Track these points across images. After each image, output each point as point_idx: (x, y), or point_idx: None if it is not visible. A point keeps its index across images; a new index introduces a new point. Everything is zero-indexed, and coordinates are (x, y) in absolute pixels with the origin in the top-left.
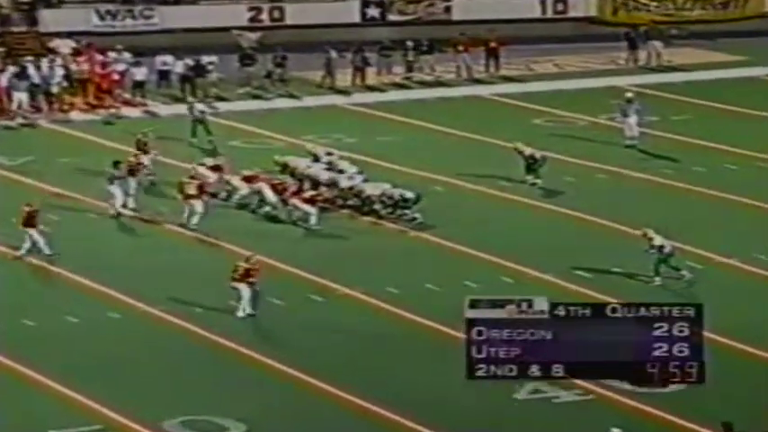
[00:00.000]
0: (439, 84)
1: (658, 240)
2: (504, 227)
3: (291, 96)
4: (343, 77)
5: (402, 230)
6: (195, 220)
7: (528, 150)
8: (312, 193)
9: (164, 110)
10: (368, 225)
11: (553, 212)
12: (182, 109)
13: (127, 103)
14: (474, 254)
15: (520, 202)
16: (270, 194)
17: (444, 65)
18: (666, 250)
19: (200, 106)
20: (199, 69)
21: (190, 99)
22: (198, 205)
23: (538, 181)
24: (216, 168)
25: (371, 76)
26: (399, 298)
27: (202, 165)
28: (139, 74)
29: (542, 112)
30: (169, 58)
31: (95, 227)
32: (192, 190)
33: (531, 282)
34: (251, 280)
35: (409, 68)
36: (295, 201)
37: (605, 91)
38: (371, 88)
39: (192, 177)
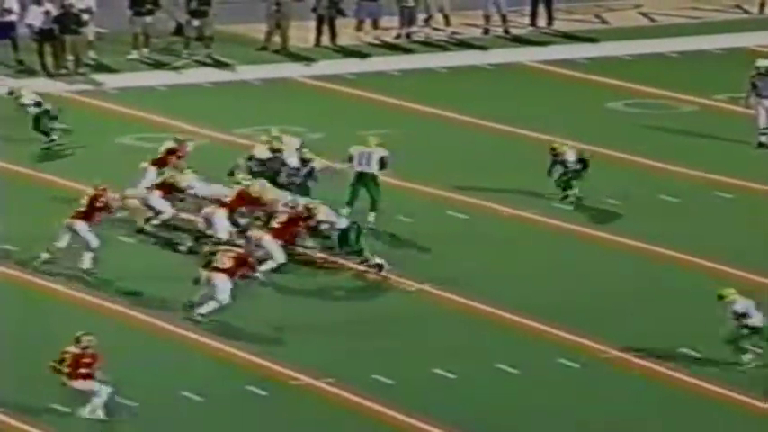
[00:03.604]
0: (455, 44)
1: (740, 305)
2: (561, 275)
3: (217, 64)
4: (302, 34)
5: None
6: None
7: (571, 154)
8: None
9: (5, 87)
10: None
11: (639, 250)
12: (38, 86)
13: None
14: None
15: (585, 236)
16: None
17: (463, 13)
18: (753, 321)
19: (31, 98)
20: (66, 21)
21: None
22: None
23: (572, 192)
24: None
25: (346, 32)
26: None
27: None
28: None
29: (622, 90)
30: (14, 3)
31: None
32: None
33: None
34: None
35: (408, 19)
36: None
37: (725, 56)
38: (346, 51)
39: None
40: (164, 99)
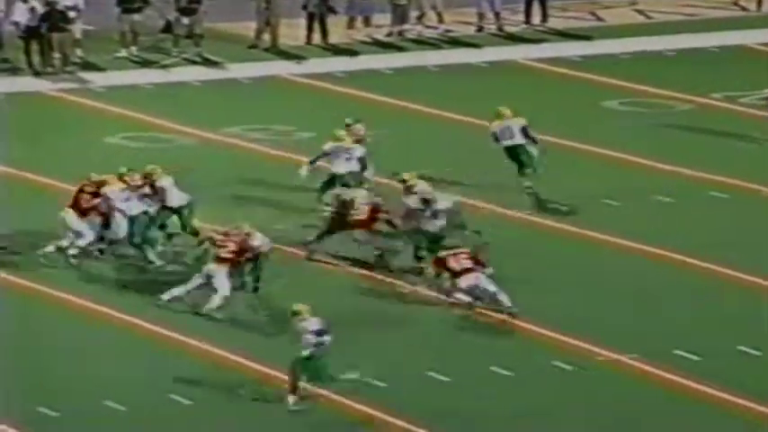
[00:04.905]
0: (448, 42)
1: (314, 323)
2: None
3: (206, 62)
4: (292, 31)
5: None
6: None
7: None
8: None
9: None
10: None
11: (634, 250)
12: (24, 84)
13: None
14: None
15: (578, 236)
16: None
17: (456, 11)
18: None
19: None
20: (53, 18)
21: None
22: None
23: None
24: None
25: (337, 30)
26: None
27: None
28: None
29: (617, 88)
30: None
31: None
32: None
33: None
34: None
35: (400, 17)
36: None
37: (721, 54)
38: (337, 49)
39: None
40: (152, 98)
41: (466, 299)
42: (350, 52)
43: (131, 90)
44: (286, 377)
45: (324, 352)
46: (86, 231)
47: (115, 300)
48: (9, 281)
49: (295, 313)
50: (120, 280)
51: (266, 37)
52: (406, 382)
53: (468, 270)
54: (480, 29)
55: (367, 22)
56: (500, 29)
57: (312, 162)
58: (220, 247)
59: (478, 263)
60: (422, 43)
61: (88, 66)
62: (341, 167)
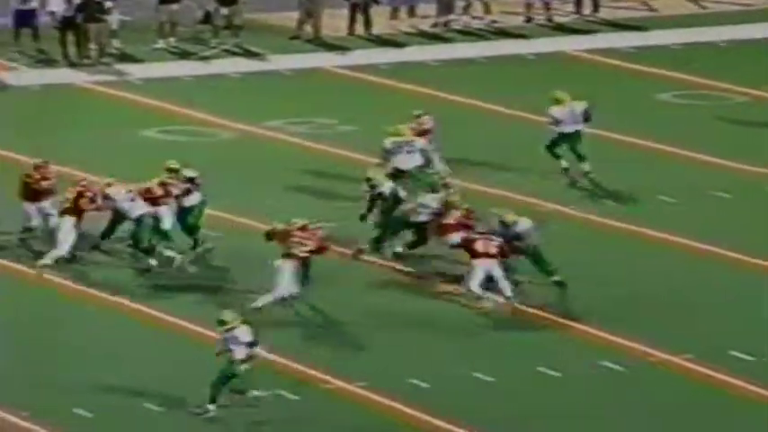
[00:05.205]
0: (496, 33)
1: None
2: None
3: (246, 54)
4: (335, 22)
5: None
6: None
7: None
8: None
9: (26, 77)
10: None
11: (689, 248)
12: (61, 77)
13: None
14: None
15: (632, 233)
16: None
17: (503, 0)
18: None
19: None
20: (89, 9)
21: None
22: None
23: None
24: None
25: (381, 20)
26: None
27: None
28: None
29: (671, 80)
30: None
31: None
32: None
33: None
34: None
35: (446, 7)
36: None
37: None
38: (381, 41)
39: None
40: (190, 90)
41: (483, 295)
42: (394, 43)
43: (169, 82)
44: (326, 377)
45: (252, 363)
46: (66, 242)
47: (151, 300)
48: (42, 279)
49: (222, 323)
50: (158, 281)
51: (308, 28)
52: (450, 383)
53: (488, 255)
54: (529, 19)
55: (412, 12)
56: (549, 19)
57: (380, 165)
58: (298, 244)
59: (504, 254)
60: (468, 34)
61: (125, 57)
62: (405, 163)
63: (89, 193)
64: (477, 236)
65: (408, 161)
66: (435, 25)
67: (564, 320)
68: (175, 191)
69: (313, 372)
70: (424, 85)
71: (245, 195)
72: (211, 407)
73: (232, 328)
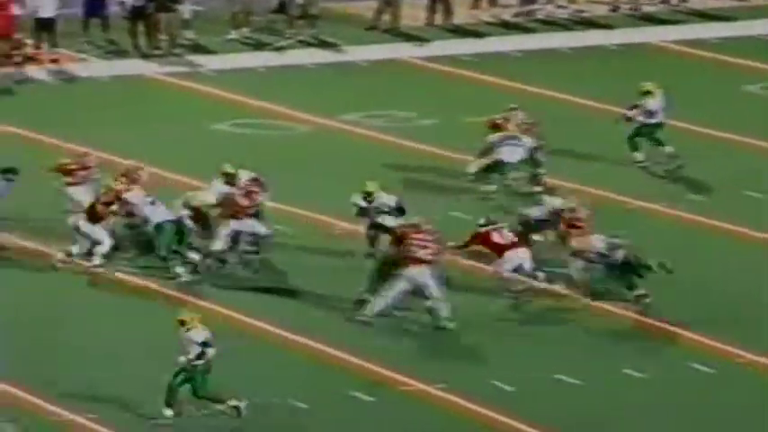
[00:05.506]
0: (580, 23)
1: (200, 335)
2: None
3: (322, 44)
4: (414, 12)
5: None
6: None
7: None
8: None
9: (96, 68)
10: None
11: None
12: (132, 68)
13: (30, 57)
14: None
15: (719, 230)
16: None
17: None
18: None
19: None
20: None
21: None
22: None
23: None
24: None
25: (461, 10)
26: None
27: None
28: (47, 6)
29: (760, 72)
30: None
31: None
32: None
33: None
34: None
35: None
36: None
37: None
38: (462, 31)
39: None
40: (264, 82)
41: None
42: (475, 34)
43: (242, 74)
44: (404, 379)
45: (208, 364)
46: (103, 237)
47: (240, 302)
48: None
49: (181, 323)
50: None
51: (386, 17)
52: (535, 385)
53: (512, 245)
54: (615, 9)
55: (493, 1)
56: (635, 9)
57: (481, 157)
58: (420, 247)
59: (522, 240)
60: (552, 24)
61: (197, 48)
62: (511, 155)
63: (109, 199)
64: (486, 229)
65: (514, 154)
66: (518, 15)
67: (650, 321)
68: (259, 198)
69: (390, 373)
70: (505, 77)
71: (320, 192)
72: (168, 411)
73: (190, 329)
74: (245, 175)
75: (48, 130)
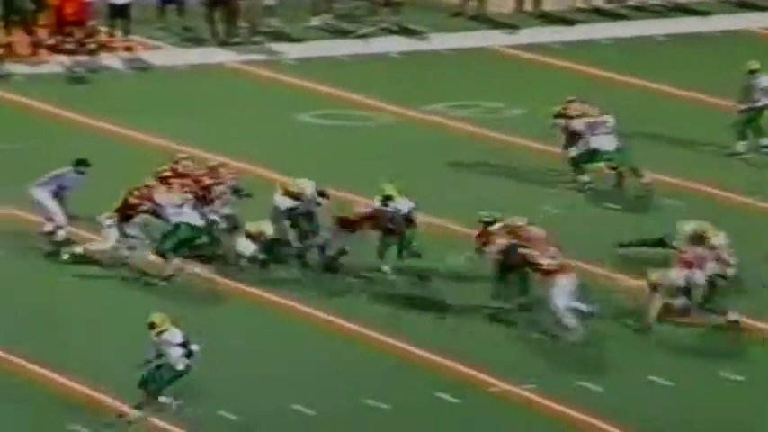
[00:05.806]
0: (676, 9)
1: (174, 336)
2: None
3: (406, 32)
4: None
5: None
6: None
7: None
8: None
9: (171, 56)
10: None
11: None
12: (209, 56)
13: (105, 44)
14: None
15: None
16: None
17: None
18: (173, 355)
19: None
20: None
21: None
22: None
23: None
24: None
25: None
26: None
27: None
28: None
29: None
30: None
31: None
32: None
33: None
34: None
35: None
36: None
37: None
38: (551, 18)
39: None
40: (347, 71)
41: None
42: (566, 21)
43: (324, 62)
44: (491, 380)
45: (193, 364)
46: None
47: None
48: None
49: (152, 325)
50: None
51: (472, 4)
52: (626, 386)
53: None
54: None
55: None
56: None
57: (566, 147)
58: (548, 256)
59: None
60: (646, 11)
61: (277, 36)
62: (605, 143)
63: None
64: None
65: (608, 141)
66: (611, 1)
67: (749, 322)
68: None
69: (476, 373)
70: (598, 66)
71: (404, 185)
72: (133, 413)
73: (163, 331)
74: (308, 187)
75: (121, 120)
